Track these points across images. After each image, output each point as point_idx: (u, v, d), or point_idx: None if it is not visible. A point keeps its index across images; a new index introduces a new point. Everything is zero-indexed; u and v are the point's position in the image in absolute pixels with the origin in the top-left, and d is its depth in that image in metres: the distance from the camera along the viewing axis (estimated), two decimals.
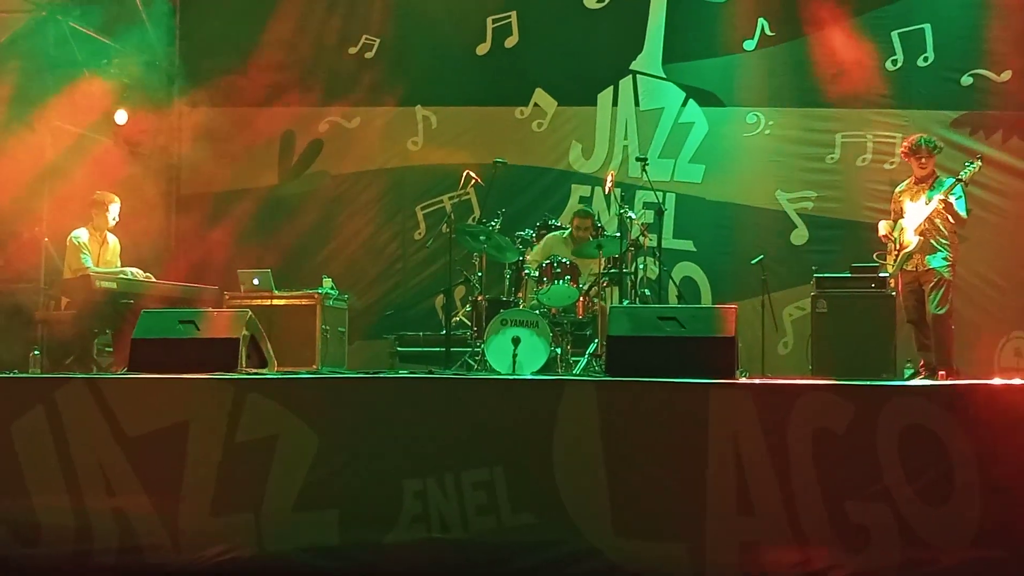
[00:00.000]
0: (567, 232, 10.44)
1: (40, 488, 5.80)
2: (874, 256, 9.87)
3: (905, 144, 9.54)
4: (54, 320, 9.96)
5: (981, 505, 5.01)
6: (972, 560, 4.99)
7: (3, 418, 5.89)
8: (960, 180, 9.08)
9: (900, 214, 9.37)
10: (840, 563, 5.11)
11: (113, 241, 10.24)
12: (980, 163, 9.27)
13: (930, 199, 9.10)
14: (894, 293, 9.81)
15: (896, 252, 9.31)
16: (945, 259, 9.12)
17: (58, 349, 9.70)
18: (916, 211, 9.19)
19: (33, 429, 5.84)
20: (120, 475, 5.74)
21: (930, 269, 9.13)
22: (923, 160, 9.29)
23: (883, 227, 9.49)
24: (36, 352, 9.87)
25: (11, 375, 7.28)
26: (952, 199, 9.02)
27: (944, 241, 9.13)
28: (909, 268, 9.24)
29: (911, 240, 9.15)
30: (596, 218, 10.75)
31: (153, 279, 10.23)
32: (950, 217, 9.05)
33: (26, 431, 5.85)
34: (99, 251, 10.09)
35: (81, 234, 9.99)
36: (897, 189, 9.61)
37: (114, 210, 10.17)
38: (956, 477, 5.04)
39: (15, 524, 5.80)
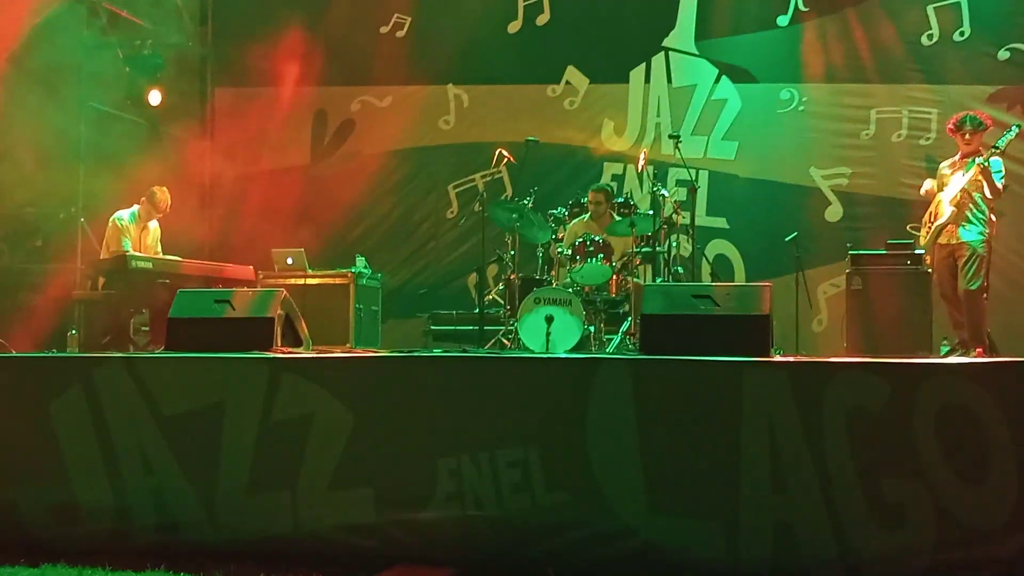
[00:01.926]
0: (586, 215, 10.42)
1: (79, 467, 5.85)
2: (907, 228, 9.75)
3: (952, 121, 9.43)
4: (91, 300, 10.05)
5: (1018, 486, 4.97)
6: (1008, 541, 4.96)
7: (42, 398, 5.94)
8: (997, 148, 8.97)
9: (942, 189, 9.31)
10: (874, 541, 5.09)
11: (154, 227, 10.33)
12: (1018, 128, 9.15)
13: (968, 171, 9.04)
14: (930, 270, 9.75)
15: (930, 225, 9.27)
16: (980, 233, 9.04)
17: (95, 329, 9.79)
18: (955, 184, 9.14)
19: (71, 409, 5.88)
20: (157, 454, 5.78)
21: (963, 243, 9.06)
22: (968, 136, 9.19)
23: (928, 184, 9.46)
24: (73, 332, 9.97)
25: (49, 355, 7.34)
26: (991, 168, 8.93)
27: (980, 216, 9.04)
28: (943, 241, 9.19)
29: (946, 212, 9.10)
30: (613, 193, 10.70)
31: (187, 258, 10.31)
32: (987, 190, 8.95)
33: (64, 411, 5.90)
34: (139, 235, 10.16)
35: (125, 216, 10.08)
36: (942, 164, 9.51)
37: (163, 207, 10.24)
38: (993, 457, 5.00)
39: (54, 503, 5.84)
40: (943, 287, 9.33)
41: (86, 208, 10.97)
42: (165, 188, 10.31)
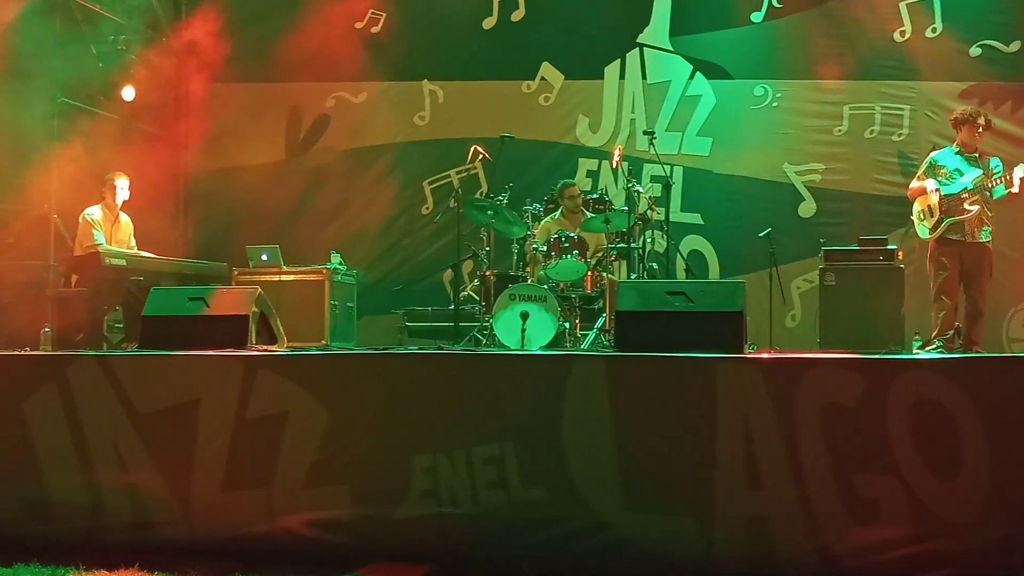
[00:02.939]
0: (557, 212, 10.45)
1: (53, 465, 5.84)
2: (913, 218, 9.43)
3: (961, 112, 9.32)
4: (64, 297, 9.98)
5: (991, 479, 5.01)
6: (981, 534, 5.01)
7: (15, 396, 5.93)
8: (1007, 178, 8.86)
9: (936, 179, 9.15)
10: (849, 536, 5.12)
11: (125, 220, 10.27)
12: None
13: (987, 173, 8.97)
14: (902, 265, 9.79)
15: (935, 218, 9.05)
16: (990, 233, 9.04)
17: (69, 326, 9.72)
18: (966, 179, 9.01)
19: (45, 406, 5.87)
20: (132, 452, 5.77)
21: (982, 243, 8.99)
22: (981, 131, 9.14)
23: (932, 184, 9.12)
24: (47, 329, 9.90)
25: (23, 352, 7.31)
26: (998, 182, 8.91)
27: (990, 215, 9.02)
28: (954, 237, 9.00)
29: (969, 209, 8.91)
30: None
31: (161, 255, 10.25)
32: (994, 193, 8.94)
33: (38, 408, 5.89)
34: (111, 229, 10.11)
35: (94, 212, 10.02)
36: (934, 156, 9.37)
37: (123, 186, 10.19)
38: (966, 451, 5.04)
39: (28, 501, 5.84)
40: (948, 284, 9.04)
41: (59, 205, 10.88)
42: (114, 170, 10.24)
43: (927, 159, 9.45)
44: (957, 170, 9.12)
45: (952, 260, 9.03)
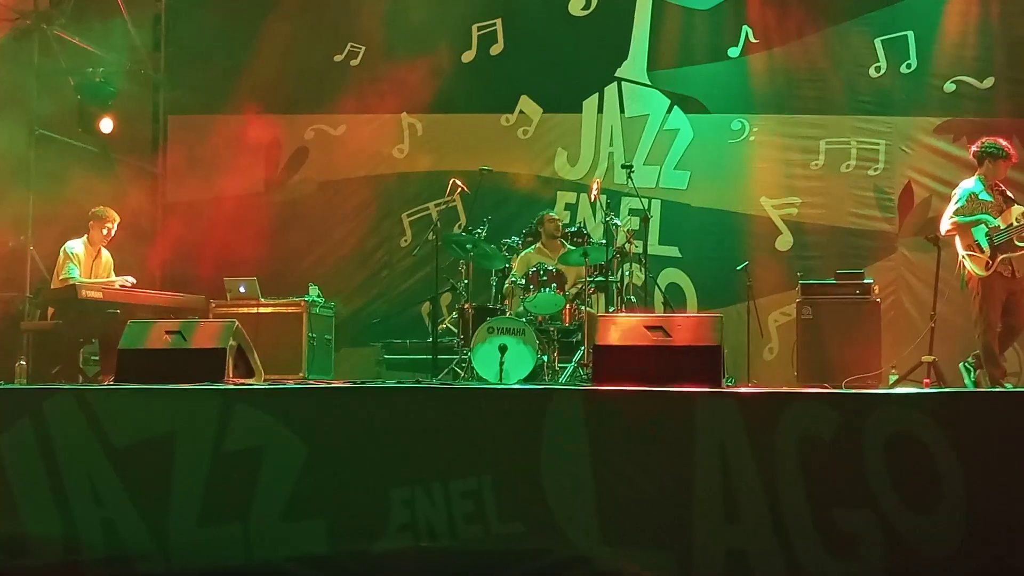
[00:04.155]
0: (535, 245, 10.49)
1: (27, 499, 5.79)
2: (961, 257, 8.92)
3: (983, 145, 9.08)
4: (40, 330, 9.94)
5: (966, 513, 5.04)
6: (957, 567, 5.02)
7: None
8: None
9: (974, 214, 8.85)
10: (826, 569, 5.13)
11: (107, 256, 10.20)
12: None
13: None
14: (879, 299, 9.83)
15: (986, 255, 8.74)
16: None
17: (44, 359, 9.67)
18: (1007, 216, 8.75)
19: (20, 441, 5.83)
20: (108, 486, 5.73)
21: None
22: (1011, 164, 9.01)
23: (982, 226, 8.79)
24: (22, 362, 9.85)
25: None
26: None
27: None
28: (1006, 274, 8.74)
29: (1021, 245, 8.66)
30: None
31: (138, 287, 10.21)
32: None
33: (13, 443, 5.84)
34: (92, 264, 10.03)
35: (75, 246, 9.93)
36: (970, 189, 8.98)
37: (112, 227, 10.12)
38: (942, 485, 5.07)
39: (3, 536, 5.78)
40: (995, 317, 8.81)
41: (35, 236, 10.85)
42: (106, 207, 10.20)
43: (963, 191, 9.02)
44: (992, 203, 8.86)
45: (1000, 293, 8.79)
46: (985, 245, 8.75)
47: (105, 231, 10.06)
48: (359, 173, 12.76)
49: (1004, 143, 9.07)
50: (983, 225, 8.78)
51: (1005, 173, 9.04)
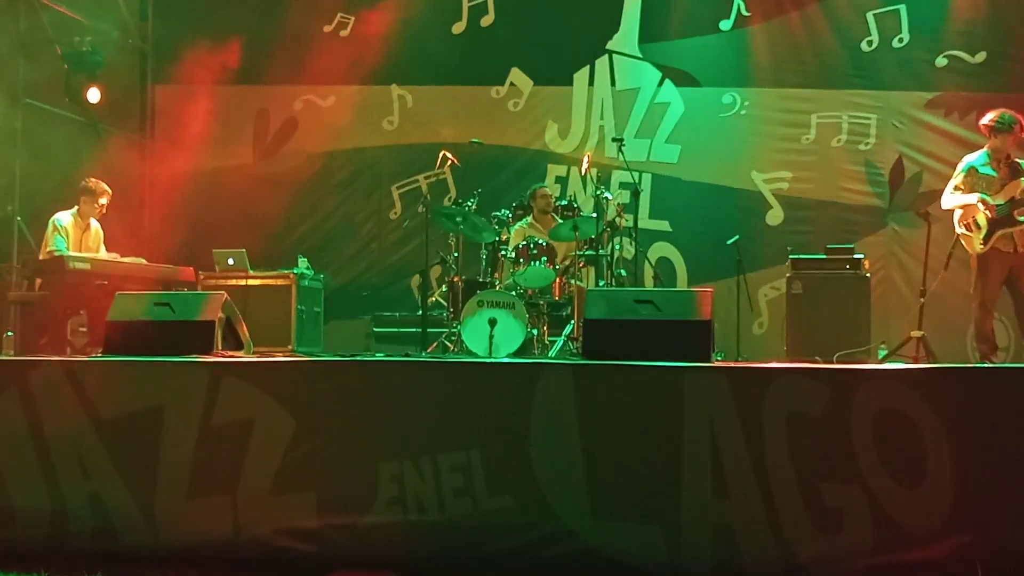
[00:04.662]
0: (527, 219, 10.47)
1: (14, 471, 5.76)
2: (957, 231, 8.82)
3: (995, 119, 8.84)
4: (27, 301, 9.89)
5: (953, 489, 5.04)
6: (944, 543, 5.03)
7: None
8: None
9: (973, 189, 8.74)
10: (814, 544, 5.14)
11: (96, 227, 10.14)
12: None
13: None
14: (868, 274, 9.83)
15: (983, 231, 8.62)
16: None
17: (32, 330, 9.63)
18: (1010, 189, 8.64)
19: (6, 412, 5.79)
20: (95, 458, 5.71)
21: None
22: (1020, 136, 8.79)
23: (974, 198, 8.66)
24: (10, 333, 9.81)
25: None
26: None
27: None
28: (1006, 249, 8.65)
29: (1021, 220, 8.55)
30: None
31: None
32: None
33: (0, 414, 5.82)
34: (81, 236, 9.98)
35: (63, 217, 9.88)
36: (971, 163, 8.87)
37: (104, 201, 10.05)
38: (929, 460, 5.07)
39: None
40: (991, 294, 8.74)
41: (22, 207, 10.80)
42: (99, 180, 10.13)
43: (964, 164, 8.93)
44: (998, 177, 8.74)
45: (1000, 270, 8.71)
46: (982, 222, 8.67)
47: (97, 206, 10.00)
48: (348, 145, 12.73)
49: (1016, 116, 8.80)
50: (980, 204, 8.66)
51: (1013, 147, 8.83)
